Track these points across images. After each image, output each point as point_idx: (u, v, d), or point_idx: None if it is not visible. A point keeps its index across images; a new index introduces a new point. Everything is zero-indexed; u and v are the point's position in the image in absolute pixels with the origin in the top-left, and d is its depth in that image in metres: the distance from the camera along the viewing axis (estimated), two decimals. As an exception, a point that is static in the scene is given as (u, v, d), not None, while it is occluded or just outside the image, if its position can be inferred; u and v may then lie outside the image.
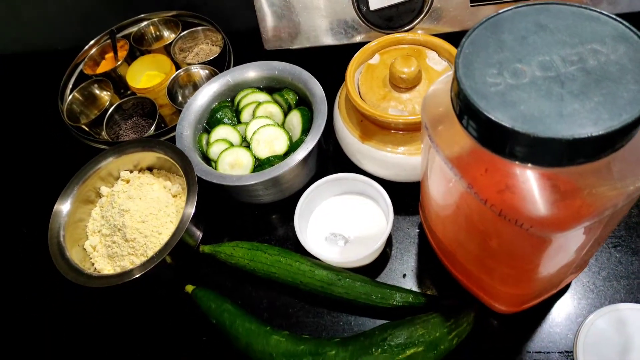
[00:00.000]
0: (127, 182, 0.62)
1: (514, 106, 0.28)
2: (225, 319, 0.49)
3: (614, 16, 0.30)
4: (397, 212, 0.53)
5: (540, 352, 0.46)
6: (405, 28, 0.60)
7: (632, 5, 0.58)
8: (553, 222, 0.30)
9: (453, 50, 0.53)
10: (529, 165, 0.29)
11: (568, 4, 0.32)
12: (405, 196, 0.56)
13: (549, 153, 0.27)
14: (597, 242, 0.38)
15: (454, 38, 0.55)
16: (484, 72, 0.30)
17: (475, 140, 0.30)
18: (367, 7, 0.58)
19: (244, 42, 0.75)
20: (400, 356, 0.42)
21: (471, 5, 0.58)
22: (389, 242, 0.56)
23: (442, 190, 0.41)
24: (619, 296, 0.48)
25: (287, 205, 0.57)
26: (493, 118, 0.27)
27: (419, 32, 0.61)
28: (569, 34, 0.30)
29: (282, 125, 0.62)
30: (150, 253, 0.55)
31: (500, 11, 0.32)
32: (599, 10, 0.31)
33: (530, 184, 0.30)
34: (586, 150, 0.27)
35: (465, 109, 0.30)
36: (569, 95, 0.28)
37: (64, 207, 0.58)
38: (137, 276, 0.51)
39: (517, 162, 0.29)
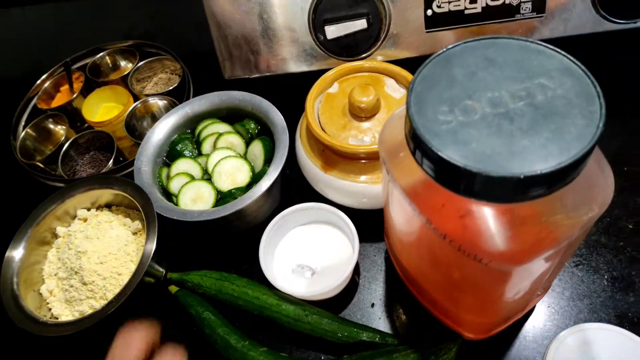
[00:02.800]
0: (85, 220, 0.60)
1: (466, 144, 0.28)
2: (205, 327, 0.50)
3: (559, 50, 0.31)
4: (363, 239, 0.53)
5: (510, 376, 0.46)
6: (364, 55, 0.60)
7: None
8: (511, 256, 0.30)
9: (410, 77, 0.54)
10: (484, 201, 0.29)
11: (515, 38, 0.32)
12: (371, 223, 0.56)
13: (502, 190, 0.27)
14: (557, 268, 0.38)
15: (413, 63, 0.56)
16: (435, 109, 0.30)
17: (430, 177, 0.30)
18: (325, 36, 0.58)
19: (204, 68, 0.74)
20: None
21: (427, 31, 0.58)
22: (357, 270, 0.55)
23: (403, 221, 0.41)
24: (583, 315, 0.48)
25: (254, 234, 0.56)
26: (445, 157, 0.27)
27: (378, 58, 0.61)
28: (517, 68, 0.30)
29: (245, 155, 0.61)
30: (110, 296, 0.53)
31: (449, 46, 0.32)
32: (544, 44, 0.31)
33: (487, 219, 0.30)
34: (538, 185, 0.27)
35: (418, 146, 0.29)
36: (518, 131, 0.28)
37: (16, 252, 0.55)
38: (94, 322, 0.49)
39: (472, 199, 0.29)
